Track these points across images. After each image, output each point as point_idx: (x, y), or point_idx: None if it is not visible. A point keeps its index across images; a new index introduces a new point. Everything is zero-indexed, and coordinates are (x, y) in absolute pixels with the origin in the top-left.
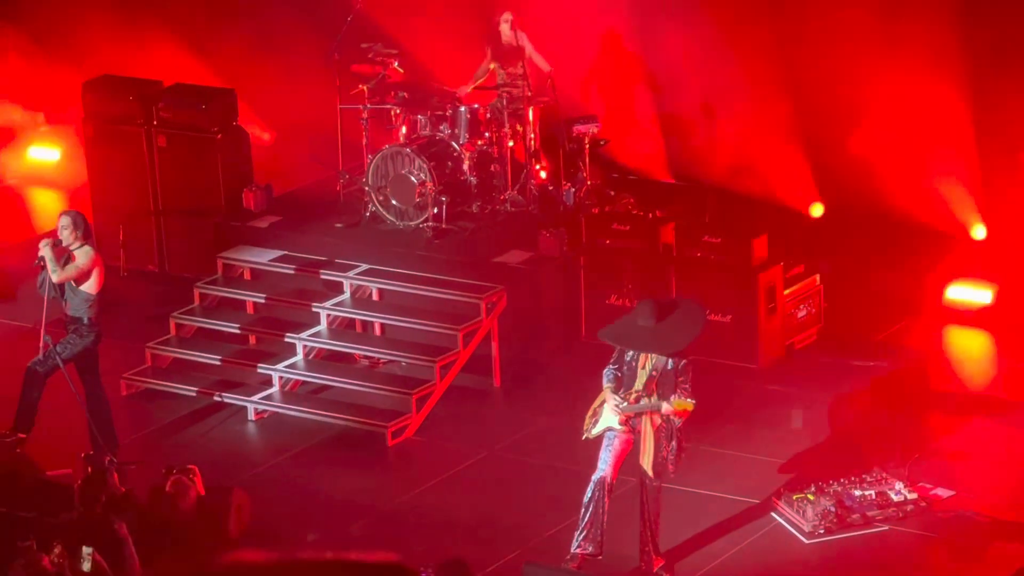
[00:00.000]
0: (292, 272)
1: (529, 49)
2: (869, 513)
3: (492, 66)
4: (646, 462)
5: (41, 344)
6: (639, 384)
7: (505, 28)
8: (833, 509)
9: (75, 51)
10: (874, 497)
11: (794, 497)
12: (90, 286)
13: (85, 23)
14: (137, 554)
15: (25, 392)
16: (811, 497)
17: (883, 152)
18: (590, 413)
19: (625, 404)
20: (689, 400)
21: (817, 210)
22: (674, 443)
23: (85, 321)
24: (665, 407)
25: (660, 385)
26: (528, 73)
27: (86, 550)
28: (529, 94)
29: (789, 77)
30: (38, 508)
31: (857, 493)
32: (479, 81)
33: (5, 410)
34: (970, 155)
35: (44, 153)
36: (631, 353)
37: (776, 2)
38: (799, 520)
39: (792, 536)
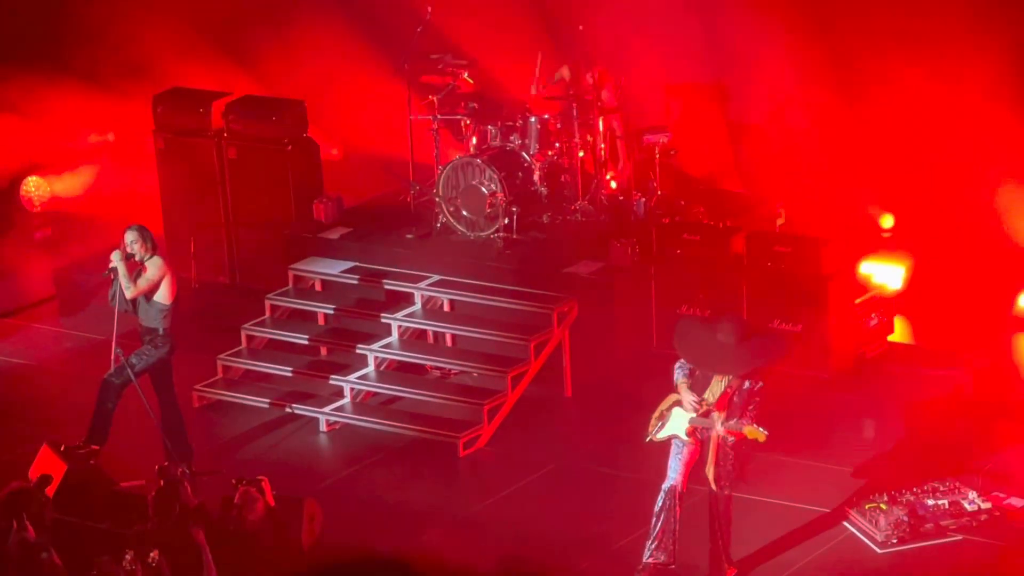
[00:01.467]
0: (363, 283)
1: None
2: (942, 523)
3: (564, 74)
4: (710, 472)
5: (112, 356)
6: (711, 396)
7: (564, 70)
8: (906, 519)
9: (144, 65)
10: (947, 506)
11: (866, 506)
12: (164, 296)
13: (153, 37)
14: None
15: (100, 404)
16: (883, 506)
17: (953, 163)
18: (656, 414)
19: (694, 416)
20: (761, 429)
21: (887, 220)
22: (731, 456)
23: (160, 332)
24: (719, 429)
25: (731, 403)
26: (599, 83)
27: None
28: (600, 104)
29: (860, 87)
30: (111, 519)
31: (930, 502)
32: (556, 81)
33: (80, 422)
34: None
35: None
36: (700, 369)
37: (850, 11)
38: (871, 530)
39: (865, 546)
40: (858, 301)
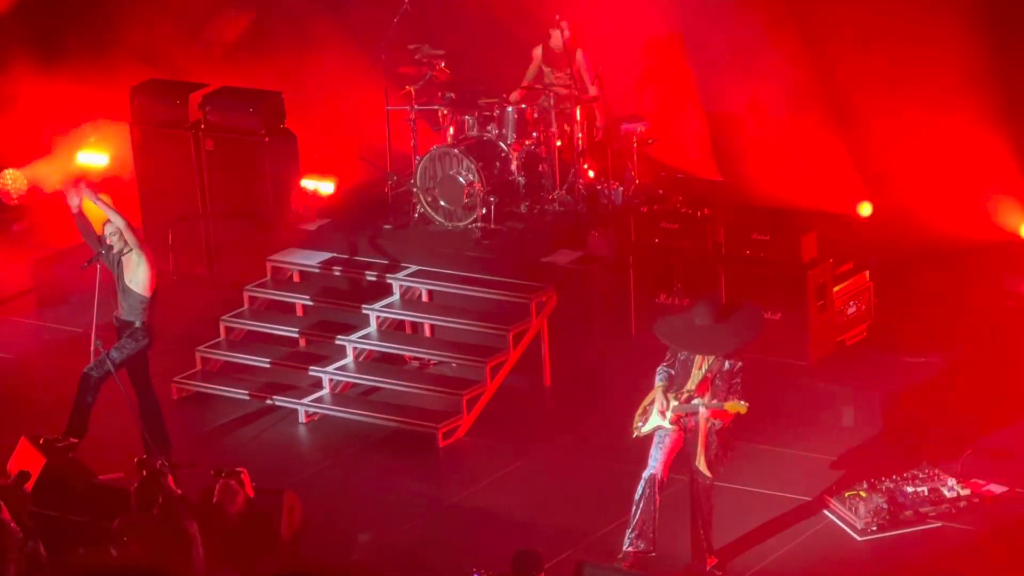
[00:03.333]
0: (341, 274)
1: (581, 66)
2: (922, 510)
3: (545, 69)
4: (699, 461)
5: (92, 349)
6: (691, 384)
7: (556, 35)
8: (885, 506)
9: (122, 55)
10: (927, 493)
11: (846, 494)
12: (143, 288)
13: (131, 28)
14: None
15: (79, 397)
16: (863, 494)
17: (931, 151)
18: (640, 411)
19: (676, 404)
20: (742, 402)
21: (866, 209)
22: (716, 441)
23: (138, 324)
24: (703, 411)
25: (714, 386)
26: (576, 74)
27: None
28: (576, 94)
29: (837, 75)
30: (91, 512)
31: (909, 490)
32: (528, 80)
33: (58, 415)
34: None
35: (92, 158)
36: (686, 352)
37: (826, 2)
38: (851, 517)
39: (844, 533)
40: (837, 289)
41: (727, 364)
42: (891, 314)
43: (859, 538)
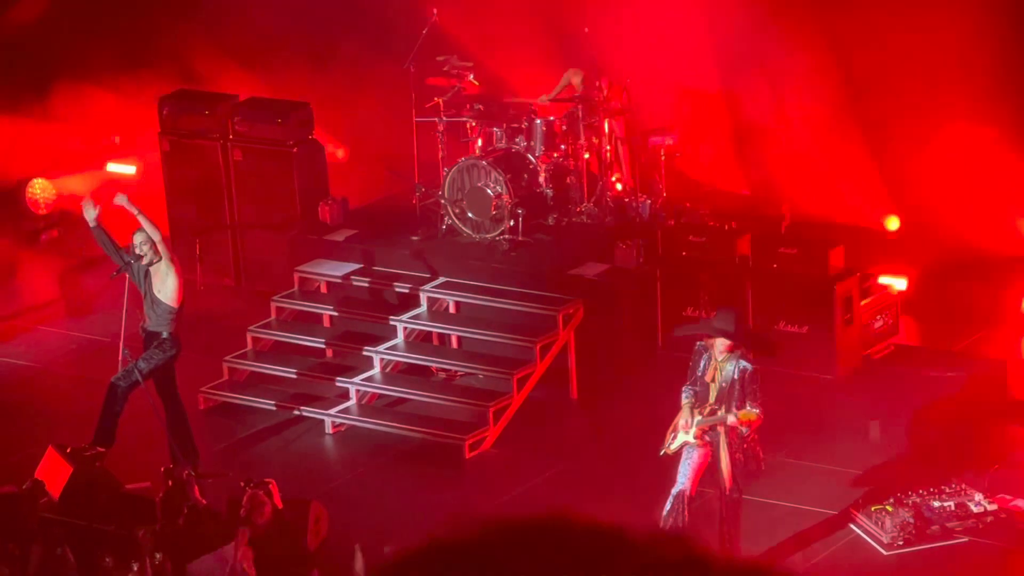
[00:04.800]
0: (369, 285)
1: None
2: (948, 525)
3: (574, 80)
4: (724, 474)
5: (120, 358)
6: (712, 398)
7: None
8: (912, 520)
9: (152, 66)
10: (953, 508)
11: (872, 508)
12: (171, 299)
13: (161, 39)
14: None
15: (106, 407)
16: (889, 508)
17: (959, 164)
18: (670, 429)
19: (699, 418)
20: (754, 409)
21: (893, 223)
22: (740, 455)
23: (165, 335)
24: (731, 418)
25: (730, 396)
26: (604, 85)
27: (157, 556)
28: (605, 106)
29: (865, 88)
30: (117, 521)
31: (936, 504)
32: (557, 92)
33: (86, 424)
34: None
35: (121, 168)
36: (700, 367)
37: (854, 16)
38: (878, 532)
39: (871, 548)
40: (864, 303)
41: (737, 371)
42: (918, 328)
43: (885, 552)
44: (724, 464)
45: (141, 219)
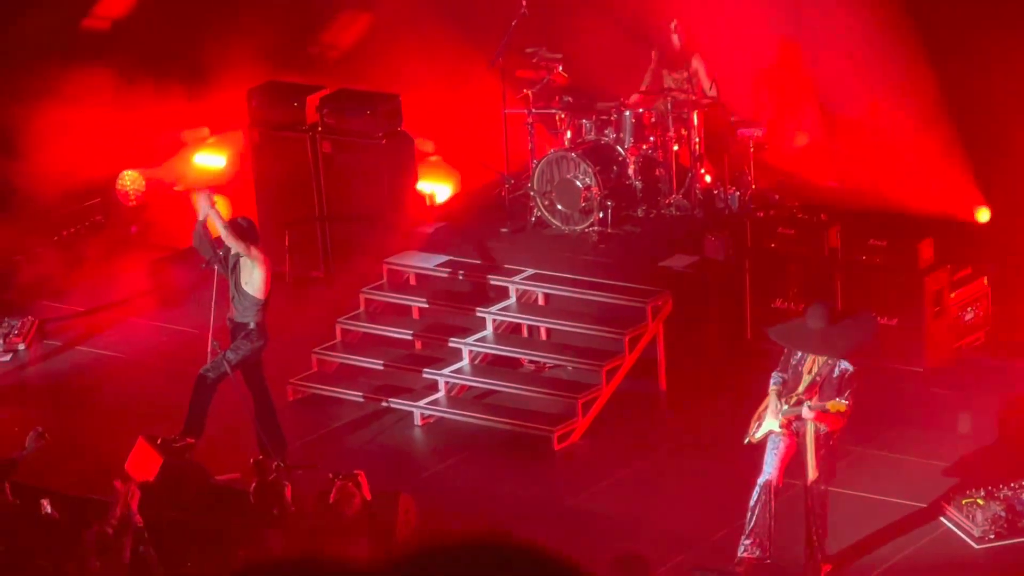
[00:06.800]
0: (458, 277)
1: (700, 70)
2: None
3: (663, 72)
4: (810, 466)
5: (209, 350)
6: (801, 388)
7: (674, 37)
8: (1003, 514)
9: (240, 57)
10: None
11: (963, 502)
12: (258, 291)
13: (249, 30)
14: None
15: (195, 398)
16: (980, 501)
17: None
18: (755, 417)
19: (786, 407)
20: (843, 401)
21: (983, 214)
22: (825, 449)
23: (252, 326)
24: (805, 412)
25: (822, 391)
26: (693, 78)
27: None
28: (694, 98)
29: (955, 79)
30: (207, 513)
31: None
32: (645, 85)
33: (175, 415)
34: None
35: (210, 159)
36: (797, 356)
37: (945, 3)
38: (968, 525)
39: (961, 541)
40: (954, 295)
41: (837, 370)
42: (1009, 320)
43: (976, 546)
44: (810, 455)
45: (216, 222)
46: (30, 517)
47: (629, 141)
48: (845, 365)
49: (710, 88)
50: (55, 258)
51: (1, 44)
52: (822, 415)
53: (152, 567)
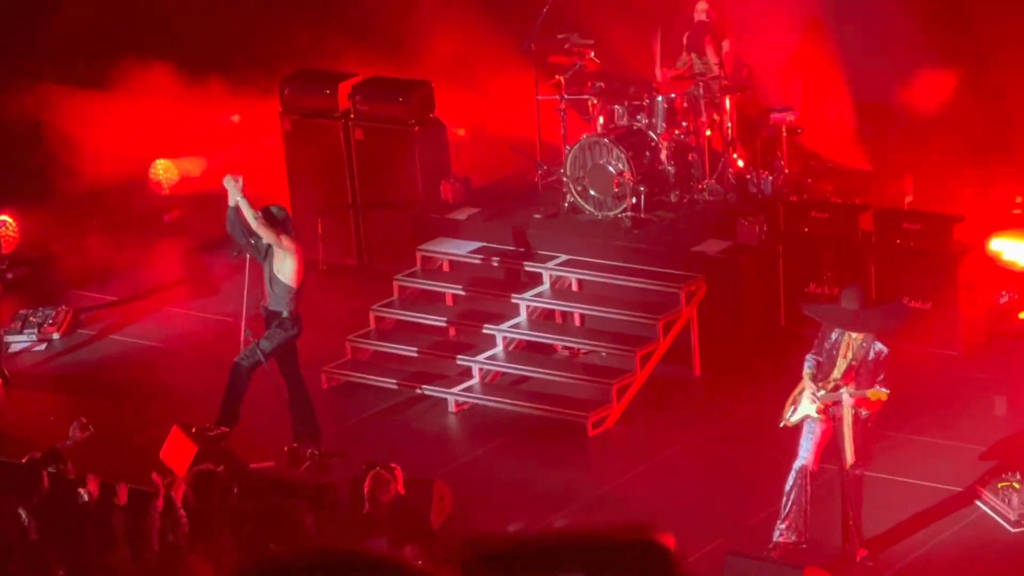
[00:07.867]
0: (491, 263)
1: (725, 47)
2: None
3: (693, 56)
4: (847, 451)
5: (242, 339)
6: (837, 373)
7: (701, 16)
8: None
9: (272, 45)
10: None
11: (999, 485)
12: (290, 279)
13: (279, 19)
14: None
15: (230, 387)
16: (1016, 485)
17: None
18: (790, 400)
19: (823, 392)
20: (884, 389)
21: (1018, 198)
22: (863, 431)
23: (285, 315)
24: (846, 399)
25: (859, 375)
26: (725, 62)
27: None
28: (726, 83)
29: (988, 63)
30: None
31: None
32: (679, 68)
33: (210, 404)
34: None
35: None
36: (831, 340)
37: None
38: (1004, 508)
39: (997, 525)
40: (988, 278)
41: (872, 353)
42: None
43: (1012, 530)
44: (847, 440)
45: (246, 210)
46: (68, 504)
47: (662, 126)
48: (880, 347)
49: (739, 72)
50: (90, 248)
51: (33, 38)
52: (862, 402)
53: (182, 553)
